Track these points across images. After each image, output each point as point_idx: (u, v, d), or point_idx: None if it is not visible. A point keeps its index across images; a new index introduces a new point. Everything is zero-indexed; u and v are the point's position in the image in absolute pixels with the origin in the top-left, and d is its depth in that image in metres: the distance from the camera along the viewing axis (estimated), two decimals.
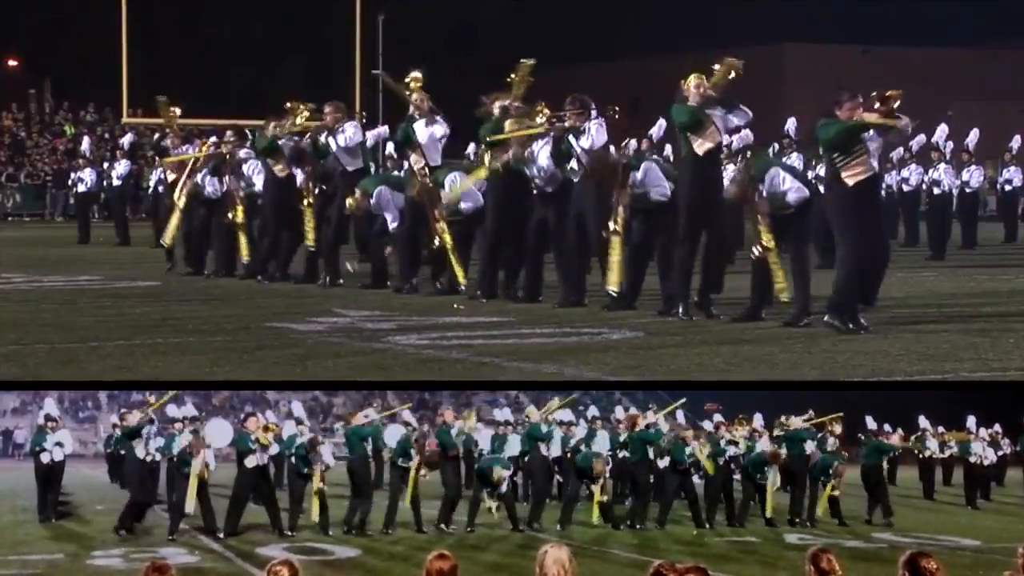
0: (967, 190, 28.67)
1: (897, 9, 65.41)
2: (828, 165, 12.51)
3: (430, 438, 15.33)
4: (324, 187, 17.95)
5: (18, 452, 30.58)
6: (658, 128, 24.10)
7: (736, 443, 16.47)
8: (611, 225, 13.92)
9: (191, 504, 13.51)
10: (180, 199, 19.99)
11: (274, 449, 14.36)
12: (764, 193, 13.04)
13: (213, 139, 21.51)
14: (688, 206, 13.44)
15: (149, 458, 14.47)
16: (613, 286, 13.99)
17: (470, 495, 15.34)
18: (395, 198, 16.80)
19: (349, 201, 17.00)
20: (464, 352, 11.32)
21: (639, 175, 14.05)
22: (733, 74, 13.61)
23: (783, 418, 17.17)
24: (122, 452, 16.10)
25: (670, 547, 13.75)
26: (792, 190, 12.95)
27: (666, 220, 13.94)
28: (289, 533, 13.78)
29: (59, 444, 14.97)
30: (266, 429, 14.25)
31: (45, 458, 14.89)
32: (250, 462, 13.88)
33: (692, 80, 13.53)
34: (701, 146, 13.33)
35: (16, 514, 15.65)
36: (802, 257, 13.10)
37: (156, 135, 18.71)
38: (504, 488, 14.64)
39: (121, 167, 32.23)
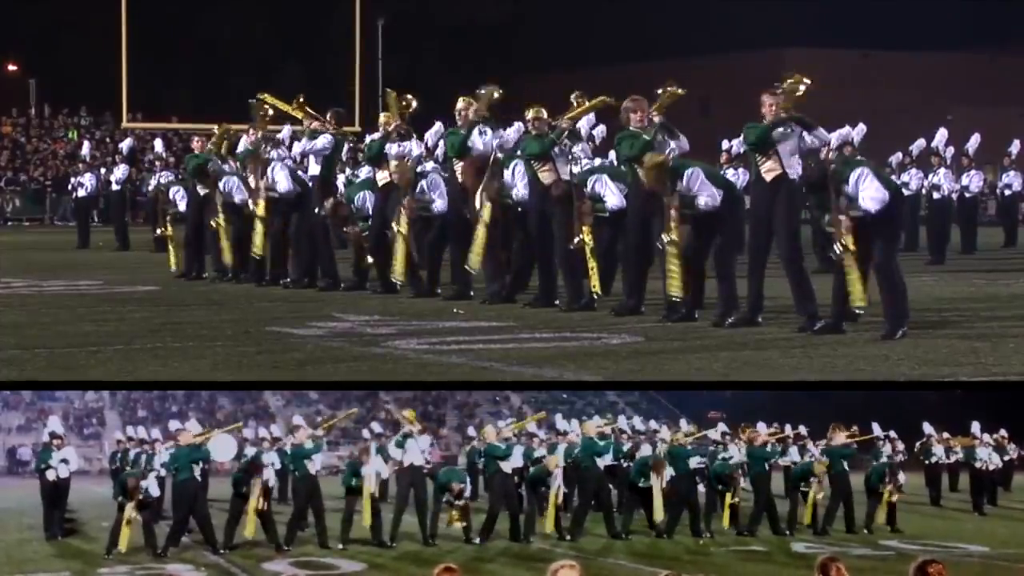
0: (967, 195, 28.66)
1: (897, 13, 65.44)
2: (752, 166, 13.14)
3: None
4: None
5: (23, 470, 30.47)
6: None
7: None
8: (664, 237, 13.45)
9: (123, 543, 13.38)
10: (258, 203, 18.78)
11: (277, 464, 14.31)
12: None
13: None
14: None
15: (155, 474, 14.37)
16: (676, 292, 13.55)
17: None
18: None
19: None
20: (464, 357, 11.33)
21: (684, 181, 13.65)
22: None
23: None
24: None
25: (678, 556, 13.71)
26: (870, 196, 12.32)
27: (714, 227, 13.73)
28: (286, 548, 13.68)
29: (64, 461, 14.89)
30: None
31: (51, 475, 14.81)
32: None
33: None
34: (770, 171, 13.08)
35: (22, 532, 15.58)
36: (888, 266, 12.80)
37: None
38: (464, 497, 14.48)
39: (120, 171, 32.25)
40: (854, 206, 12.26)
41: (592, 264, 14.64)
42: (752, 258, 13.23)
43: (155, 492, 14.10)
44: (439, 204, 16.54)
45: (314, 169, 18.20)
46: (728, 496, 15.68)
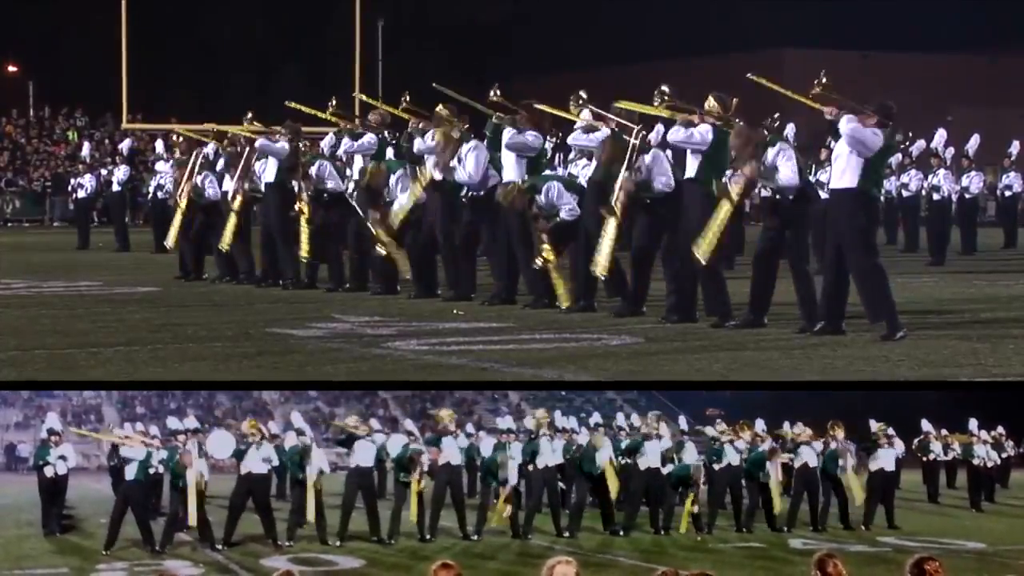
0: (967, 196, 28.67)
1: (897, 15, 65.44)
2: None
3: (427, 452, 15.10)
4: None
5: (22, 466, 30.51)
6: (656, 134, 23.99)
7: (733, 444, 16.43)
8: (612, 204, 13.92)
9: (192, 516, 13.46)
10: (181, 200, 20.14)
11: (275, 460, 14.33)
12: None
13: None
14: None
15: (151, 471, 14.39)
16: (601, 269, 14.04)
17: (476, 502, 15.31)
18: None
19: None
20: (464, 358, 11.33)
21: (648, 159, 14.06)
22: None
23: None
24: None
25: (676, 553, 13.74)
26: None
27: (667, 214, 13.92)
28: (288, 544, 13.74)
29: (62, 458, 14.91)
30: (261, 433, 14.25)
31: (48, 472, 14.83)
32: (245, 465, 13.84)
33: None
34: None
35: (20, 528, 15.59)
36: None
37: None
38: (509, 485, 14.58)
39: (121, 172, 32.25)
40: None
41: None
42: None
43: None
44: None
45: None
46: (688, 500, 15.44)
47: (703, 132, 13.33)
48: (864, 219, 12.26)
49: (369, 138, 18.11)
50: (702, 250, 12.85)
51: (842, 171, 12.24)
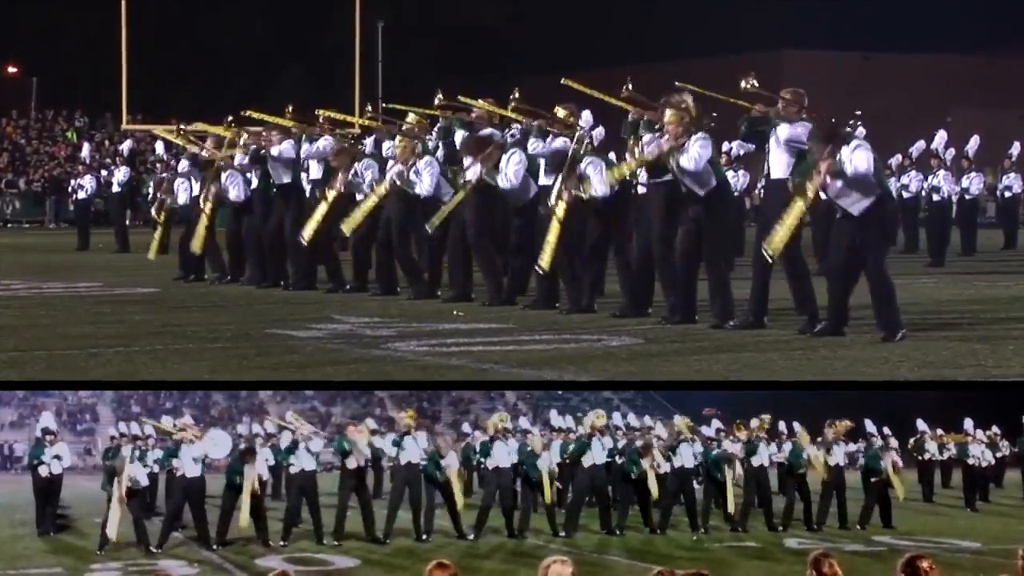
0: (966, 197, 28.66)
1: (897, 16, 65.46)
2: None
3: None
4: None
5: (16, 465, 30.57)
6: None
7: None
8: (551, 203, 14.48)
9: (112, 529, 13.35)
10: (206, 204, 19.62)
11: (271, 460, 14.34)
12: None
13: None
14: None
15: (147, 471, 14.40)
16: (544, 264, 14.49)
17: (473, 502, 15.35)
18: None
19: None
20: (464, 359, 11.32)
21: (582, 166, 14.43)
22: None
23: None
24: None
25: (671, 552, 13.76)
26: None
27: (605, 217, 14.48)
28: (282, 543, 13.76)
29: (57, 457, 14.94)
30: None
31: (43, 471, 14.87)
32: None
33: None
34: None
35: (14, 528, 15.62)
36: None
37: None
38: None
39: (121, 174, 32.26)
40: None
41: None
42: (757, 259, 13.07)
43: (143, 481, 14.11)
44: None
45: (315, 172, 18.19)
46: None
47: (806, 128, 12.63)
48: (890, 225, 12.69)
49: (326, 142, 18.09)
50: (774, 246, 12.30)
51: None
